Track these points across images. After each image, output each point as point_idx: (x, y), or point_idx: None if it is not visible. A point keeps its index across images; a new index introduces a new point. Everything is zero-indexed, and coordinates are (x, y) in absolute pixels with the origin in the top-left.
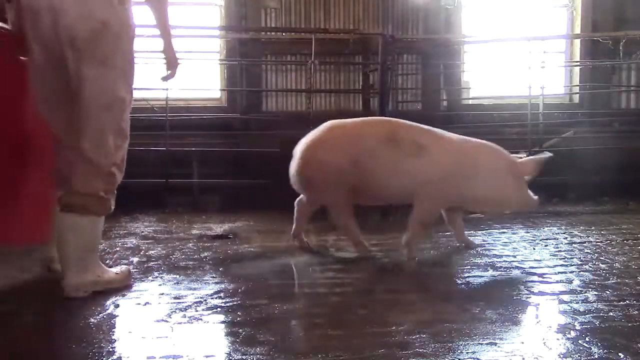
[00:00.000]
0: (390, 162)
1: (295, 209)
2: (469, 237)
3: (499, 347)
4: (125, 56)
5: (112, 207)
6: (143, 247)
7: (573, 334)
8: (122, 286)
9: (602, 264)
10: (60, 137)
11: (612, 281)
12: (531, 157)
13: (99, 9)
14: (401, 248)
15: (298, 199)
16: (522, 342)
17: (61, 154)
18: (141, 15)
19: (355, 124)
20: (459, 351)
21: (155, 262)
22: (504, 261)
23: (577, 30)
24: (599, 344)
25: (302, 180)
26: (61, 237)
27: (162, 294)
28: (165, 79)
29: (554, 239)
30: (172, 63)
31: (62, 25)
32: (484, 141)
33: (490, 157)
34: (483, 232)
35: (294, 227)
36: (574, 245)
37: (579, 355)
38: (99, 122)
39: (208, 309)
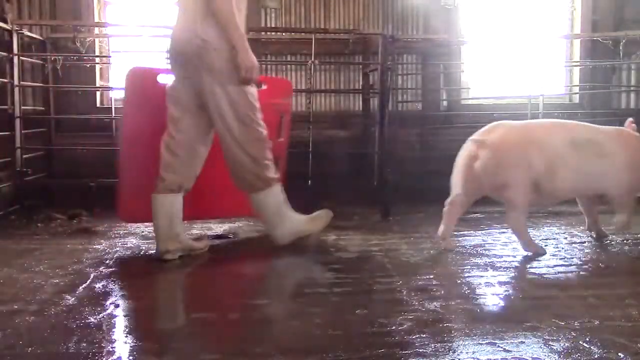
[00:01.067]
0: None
1: (449, 209)
2: (469, 237)
3: (499, 347)
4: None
5: (270, 183)
6: (143, 247)
7: (573, 334)
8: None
9: (602, 263)
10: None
11: (612, 280)
12: None
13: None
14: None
15: (451, 199)
16: (522, 342)
17: None
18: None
19: (535, 125)
20: (459, 351)
21: (156, 262)
22: (504, 261)
23: (577, 30)
24: (599, 344)
25: (494, 180)
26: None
27: (163, 294)
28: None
29: (554, 239)
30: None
31: None
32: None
33: None
34: (483, 232)
35: (443, 228)
36: (574, 245)
37: (579, 355)
38: None
39: (208, 309)
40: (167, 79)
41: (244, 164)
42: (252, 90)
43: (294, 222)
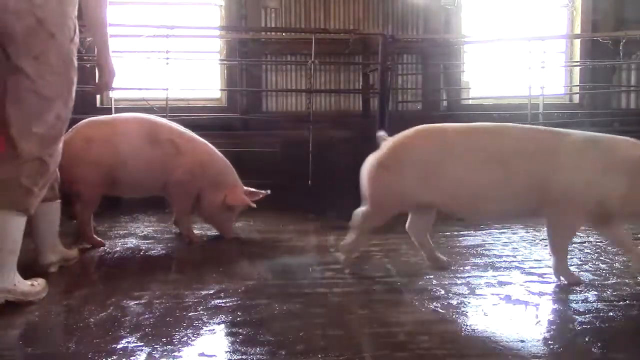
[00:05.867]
0: None
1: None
2: (469, 238)
3: (499, 347)
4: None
5: (31, 209)
6: (143, 247)
7: (573, 334)
8: (37, 299)
9: (602, 264)
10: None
11: (612, 281)
12: None
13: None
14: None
15: None
16: (522, 342)
17: None
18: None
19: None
20: (459, 351)
21: (156, 262)
22: (504, 261)
23: (577, 30)
24: (599, 344)
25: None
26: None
27: (163, 293)
28: (97, 90)
29: None
30: (103, 71)
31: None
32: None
33: None
34: (483, 232)
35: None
36: (574, 245)
37: (579, 355)
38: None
39: (208, 309)
40: None
41: None
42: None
43: (18, 278)
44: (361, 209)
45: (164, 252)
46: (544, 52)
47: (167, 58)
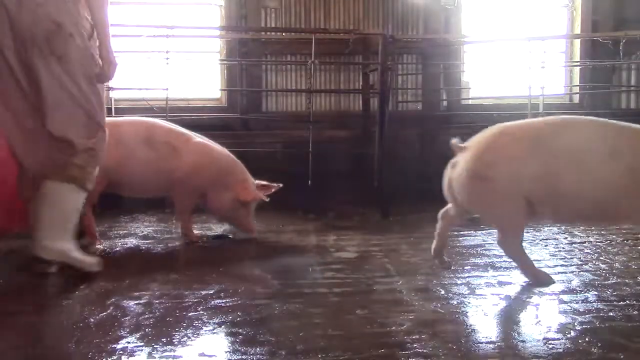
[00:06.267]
0: None
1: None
2: (469, 237)
3: (499, 347)
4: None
5: (88, 189)
6: (143, 247)
7: (573, 334)
8: (86, 269)
9: (602, 264)
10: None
11: (612, 281)
12: None
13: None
14: None
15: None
16: (523, 342)
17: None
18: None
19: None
20: (459, 351)
21: (156, 262)
22: (504, 261)
23: (577, 30)
24: (599, 344)
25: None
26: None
27: (163, 293)
28: (99, 80)
29: (554, 239)
30: (104, 62)
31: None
32: None
33: None
34: (483, 232)
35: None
36: (574, 245)
37: (579, 355)
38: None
39: (208, 309)
40: None
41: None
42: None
43: (73, 247)
44: (497, 238)
45: (164, 252)
46: (544, 52)
47: (167, 58)
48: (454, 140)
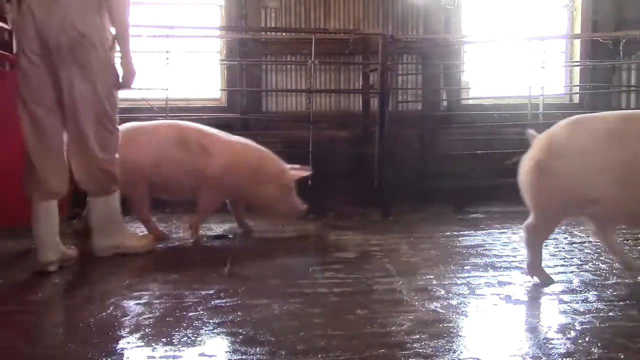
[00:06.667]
0: None
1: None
2: (469, 237)
3: (499, 347)
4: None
5: (117, 186)
6: None
7: (573, 334)
8: (142, 251)
9: (602, 264)
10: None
11: (612, 281)
12: None
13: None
14: None
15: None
16: (523, 342)
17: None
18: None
19: None
20: (459, 351)
21: (156, 262)
22: (504, 261)
23: (577, 30)
24: (599, 344)
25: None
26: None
27: (163, 293)
28: (120, 87)
29: (554, 239)
30: (127, 73)
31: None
32: None
33: None
34: (483, 232)
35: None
36: (574, 245)
37: (579, 355)
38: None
39: (208, 309)
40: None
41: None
42: (117, 92)
43: (124, 236)
44: (527, 222)
45: (164, 252)
46: (544, 52)
47: (167, 58)
48: (530, 131)
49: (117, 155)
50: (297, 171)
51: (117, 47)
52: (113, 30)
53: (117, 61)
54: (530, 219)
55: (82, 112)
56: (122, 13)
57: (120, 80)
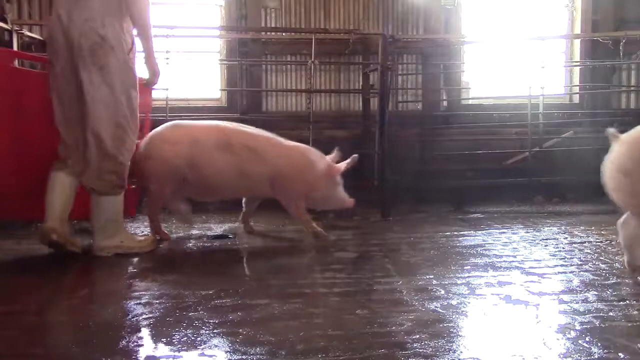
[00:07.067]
0: None
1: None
2: (469, 237)
3: (499, 347)
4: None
5: (125, 187)
6: None
7: (573, 334)
8: (142, 251)
9: (602, 264)
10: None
11: (612, 281)
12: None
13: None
14: None
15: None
16: (523, 342)
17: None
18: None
19: None
20: (459, 351)
21: (156, 262)
22: (504, 261)
23: (577, 30)
24: (599, 344)
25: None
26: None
27: (163, 293)
28: (145, 86)
29: (554, 239)
30: (151, 73)
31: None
32: None
33: None
34: (483, 232)
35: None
36: (574, 245)
37: (579, 355)
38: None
39: (208, 309)
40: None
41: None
42: (135, 94)
43: (125, 236)
44: (621, 219)
45: (164, 252)
46: (544, 52)
47: (167, 58)
48: (611, 130)
49: (128, 158)
50: (342, 164)
51: (138, 49)
52: (135, 32)
53: (136, 64)
54: (625, 217)
55: (99, 113)
56: (142, 15)
57: (145, 81)
